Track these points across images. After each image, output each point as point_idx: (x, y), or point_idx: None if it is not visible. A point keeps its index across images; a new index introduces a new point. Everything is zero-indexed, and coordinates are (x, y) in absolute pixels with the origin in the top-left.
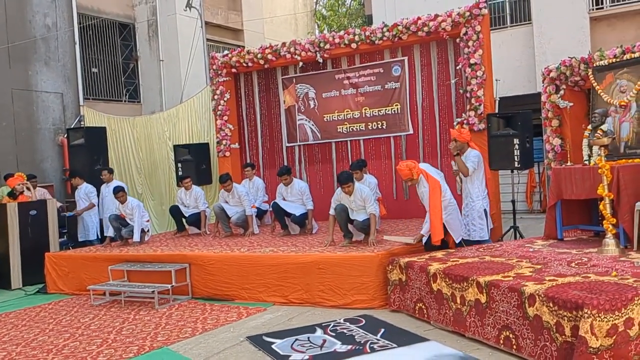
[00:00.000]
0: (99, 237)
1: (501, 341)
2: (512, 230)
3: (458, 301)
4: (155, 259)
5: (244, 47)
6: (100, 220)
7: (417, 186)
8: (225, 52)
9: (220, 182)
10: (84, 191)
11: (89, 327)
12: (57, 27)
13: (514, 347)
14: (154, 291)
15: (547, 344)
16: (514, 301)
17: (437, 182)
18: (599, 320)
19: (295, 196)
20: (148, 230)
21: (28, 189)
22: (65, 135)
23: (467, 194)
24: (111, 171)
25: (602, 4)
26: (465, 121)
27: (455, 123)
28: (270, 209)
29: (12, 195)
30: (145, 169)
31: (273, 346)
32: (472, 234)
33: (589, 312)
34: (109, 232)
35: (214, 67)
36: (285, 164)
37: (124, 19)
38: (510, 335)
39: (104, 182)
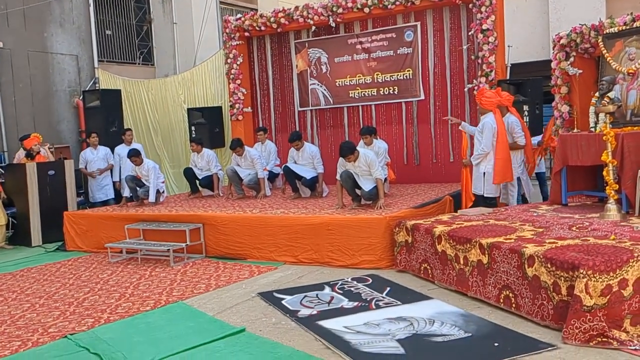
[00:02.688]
0: (115, 197)
1: (501, 300)
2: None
3: (461, 262)
4: (170, 218)
5: (257, 10)
6: (114, 183)
7: (482, 117)
8: (239, 15)
9: (231, 148)
10: (103, 153)
11: (107, 282)
12: None
13: (513, 305)
14: (169, 249)
15: (544, 302)
16: (514, 262)
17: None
18: (594, 281)
19: (307, 160)
20: (163, 192)
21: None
22: (81, 97)
23: None
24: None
25: None
26: (476, 87)
27: (465, 89)
28: (282, 172)
29: (30, 155)
30: (162, 132)
31: (283, 302)
32: (501, 198)
33: (584, 272)
34: (125, 192)
35: (227, 30)
36: (297, 128)
37: None
38: (510, 295)
39: (123, 143)
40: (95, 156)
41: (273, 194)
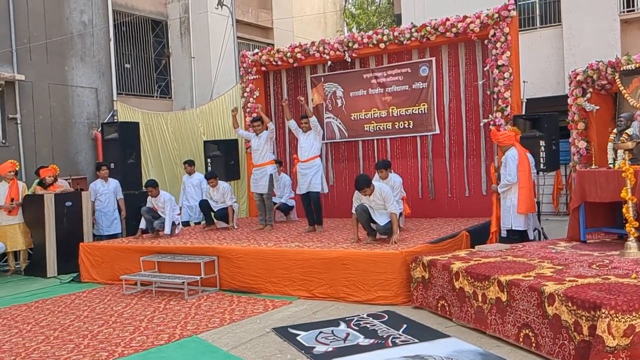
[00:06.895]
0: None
1: (521, 339)
2: (536, 231)
3: (479, 299)
4: (185, 251)
5: (273, 45)
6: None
7: (505, 153)
8: (256, 50)
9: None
10: (114, 186)
11: (122, 315)
12: (93, 24)
13: (533, 345)
14: (183, 282)
15: (565, 342)
16: (534, 300)
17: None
18: (617, 321)
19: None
20: (179, 224)
21: (56, 180)
22: (99, 130)
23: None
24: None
25: (633, 6)
26: (492, 122)
27: (481, 124)
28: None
29: (42, 185)
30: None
31: (298, 338)
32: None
33: (606, 312)
34: (141, 224)
35: (244, 65)
36: None
37: (157, 16)
38: (530, 334)
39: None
40: (105, 189)
41: (287, 227)
